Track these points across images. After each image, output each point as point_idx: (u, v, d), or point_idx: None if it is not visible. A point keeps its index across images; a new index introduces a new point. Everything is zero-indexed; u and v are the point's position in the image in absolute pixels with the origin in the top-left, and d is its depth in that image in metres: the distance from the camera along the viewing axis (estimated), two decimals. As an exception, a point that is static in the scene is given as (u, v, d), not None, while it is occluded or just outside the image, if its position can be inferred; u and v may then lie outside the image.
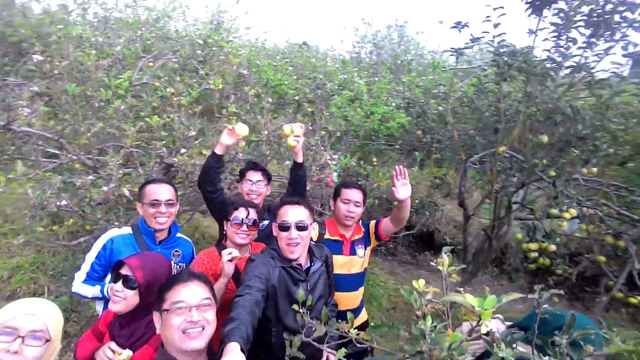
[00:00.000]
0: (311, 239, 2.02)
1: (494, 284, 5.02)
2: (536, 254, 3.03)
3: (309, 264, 1.93)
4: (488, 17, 3.89)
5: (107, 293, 1.97)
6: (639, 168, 3.80)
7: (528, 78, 2.96)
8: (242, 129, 2.30)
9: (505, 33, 3.73)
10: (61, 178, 2.34)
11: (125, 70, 3.66)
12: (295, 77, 7.54)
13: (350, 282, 2.41)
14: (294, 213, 1.87)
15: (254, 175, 2.55)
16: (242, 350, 1.23)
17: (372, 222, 2.56)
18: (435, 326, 1.20)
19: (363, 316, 2.57)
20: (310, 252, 1.96)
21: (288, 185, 2.66)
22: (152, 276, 1.57)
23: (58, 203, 2.29)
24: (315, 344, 1.49)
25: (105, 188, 2.33)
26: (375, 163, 5.12)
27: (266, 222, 2.61)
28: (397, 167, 2.30)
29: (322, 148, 3.46)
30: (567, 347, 1.19)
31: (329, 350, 1.60)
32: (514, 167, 3.35)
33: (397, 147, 5.26)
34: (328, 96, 8.66)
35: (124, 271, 1.57)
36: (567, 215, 2.87)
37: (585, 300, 3.80)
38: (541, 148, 3.03)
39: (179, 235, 2.22)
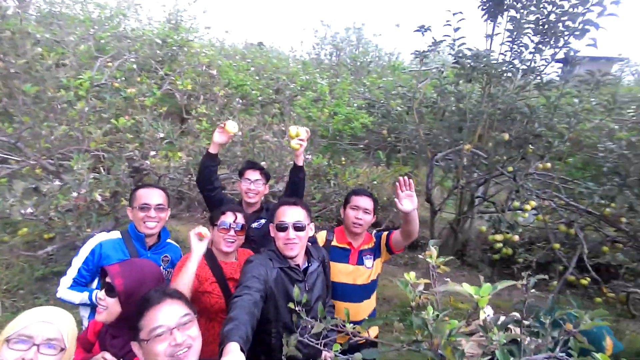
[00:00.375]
0: (311, 242, 2.02)
1: (456, 274, 5.30)
2: (501, 245, 3.25)
3: (306, 265, 1.94)
4: (448, 21, 4.11)
5: (96, 300, 1.91)
6: (580, 163, 4.19)
7: (490, 80, 3.16)
8: (232, 127, 2.31)
9: (464, 37, 3.97)
10: (24, 184, 2.17)
11: (82, 71, 3.48)
12: (257, 78, 7.51)
13: (355, 293, 2.32)
14: (291, 213, 1.88)
15: (252, 174, 2.56)
16: (241, 350, 1.22)
17: (385, 234, 2.43)
18: (438, 315, 1.27)
19: (373, 330, 2.40)
20: (308, 252, 1.98)
21: (286, 187, 2.67)
22: (134, 284, 1.50)
23: (22, 211, 2.13)
24: (312, 342, 1.53)
25: (75, 194, 2.20)
26: (343, 162, 5.22)
27: (263, 221, 2.61)
28: (401, 178, 2.16)
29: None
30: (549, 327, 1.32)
31: (326, 350, 1.63)
32: (477, 164, 3.56)
33: (362, 146, 5.39)
34: (292, 97, 8.69)
35: (108, 279, 1.50)
36: (528, 207, 3.11)
37: (539, 285, 4.11)
38: (502, 145, 3.25)
39: (168, 240, 2.17)
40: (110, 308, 1.47)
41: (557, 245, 3.29)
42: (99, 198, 2.23)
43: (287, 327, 1.80)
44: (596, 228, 3.24)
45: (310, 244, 2.00)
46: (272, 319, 1.81)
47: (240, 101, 3.52)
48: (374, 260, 2.37)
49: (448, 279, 1.35)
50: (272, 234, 1.92)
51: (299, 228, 1.84)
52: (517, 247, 3.33)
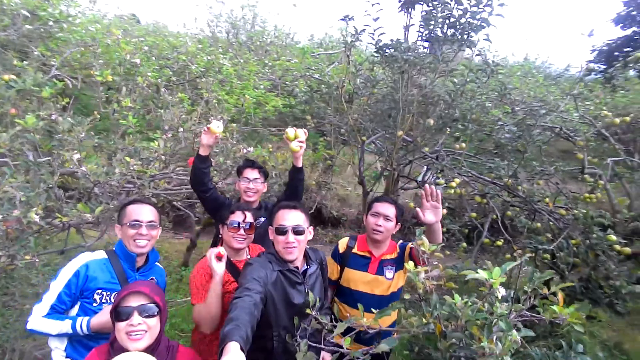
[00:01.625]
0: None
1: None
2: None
3: (305, 267, 1.96)
4: (367, 11, 4.30)
5: (82, 329, 1.68)
6: (486, 142, 4.87)
7: (419, 70, 3.45)
8: (217, 127, 2.26)
9: (382, 27, 4.21)
10: None
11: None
12: (153, 59, 6.80)
13: (372, 303, 2.18)
14: (291, 217, 1.88)
15: (251, 173, 2.58)
16: (241, 349, 1.24)
17: (409, 245, 2.33)
18: (467, 302, 1.43)
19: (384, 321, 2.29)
20: (306, 255, 2.00)
21: (285, 189, 2.66)
22: (162, 298, 1.48)
23: None
24: (314, 344, 1.59)
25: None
26: (271, 149, 5.15)
27: (263, 219, 2.61)
28: (427, 186, 2.11)
29: (234, 141, 3.32)
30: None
31: (326, 349, 1.68)
32: (405, 147, 3.90)
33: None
34: (193, 79, 8.13)
35: (133, 302, 1.41)
36: (453, 184, 3.56)
37: (455, 247, 4.77)
38: (428, 130, 3.61)
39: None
40: (153, 330, 1.43)
41: (473, 215, 3.86)
42: (36, 218, 1.85)
43: (287, 330, 1.82)
44: (501, 196, 3.86)
45: (308, 247, 2.01)
46: (273, 322, 1.82)
47: (166, 90, 3.19)
48: (395, 271, 2.32)
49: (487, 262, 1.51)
50: (271, 237, 1.92)
51: (298, 232, 1.86)
52: (444, 218, 3.79)
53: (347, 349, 1.59)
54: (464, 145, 3.82)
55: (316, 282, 1.96)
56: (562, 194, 3.82)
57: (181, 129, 2.88)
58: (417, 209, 2.10)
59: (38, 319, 1.68)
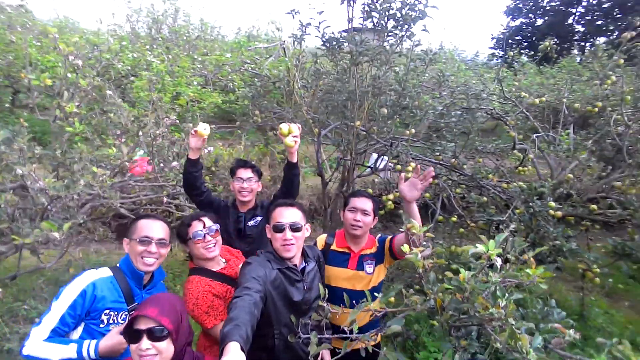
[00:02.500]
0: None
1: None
2: (391, 203, 3.86)
3: (303, 264, 1.97)
4: (310, 4, 4.33)
5: (89, 354, 1.55)
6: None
7: (370, 61, 3.57)
8: (204, 129, 2.27)
9: (326, 20, 4.28)
10: None
11: None
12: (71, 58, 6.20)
13: (354, 299, 2.15)
14: (288, 214, 1.89)
15: (244, 173, 2.58)
16: (241, 349, 1.25)
17: (388, 238, 2.30)
18: (473, 274, 1.55)
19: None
20: (304, 252, 2.01)
21: (281, 185, 2.64)
22: (176, 316, 1.39)
23: None
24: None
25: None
26: (221, 147, 4.99)
27: (259, 218, 2.62)
28: (419, 167, 2.03)
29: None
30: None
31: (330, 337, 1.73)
32: (361, 137, 4.03)
33: (237, 128, 5.24)
34: (118, 78, 7.59)
35: (142, 325, 1.33)
36: (409, 168, 3.76)
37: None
38: (382, 119, 3.77)
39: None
40: (165, 353, 1.36)
41: (428, 195, 4.13)
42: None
43: (288, 328, 1.85)
44: (450, 177, 4.17)
45: (305, 244, 2.02)
46: (274, 320, 1.84)
47: (111, 93, 2.92)
48: (375, 266, 2.29)
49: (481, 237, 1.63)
50: (268, 235, 1.93)
51: (295, 229, 1.88)
52: (399, 202, 4.00)
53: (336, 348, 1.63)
54: (413, 131, 4.06)
55: (315, 278, 1.98)
56: (501, 169, 4.25)
57: (140, 133, 2.68)
58: (401, 174, 2.10)
59: (37, 344, 1.52)
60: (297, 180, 2.59)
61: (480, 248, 1.56)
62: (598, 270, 3.29)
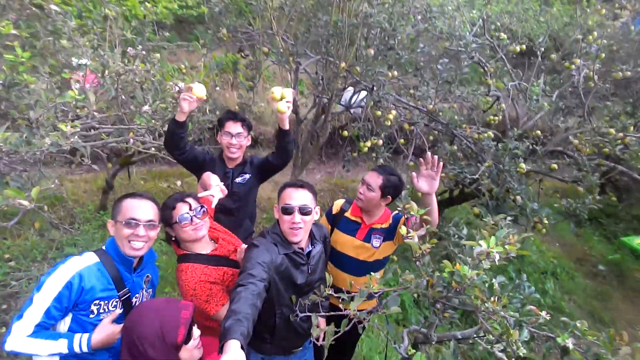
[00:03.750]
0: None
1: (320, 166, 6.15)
2: (366, 148, 3.83)
3: (310, 248, 1.93)
4: None
5: (81, 348, 1.48)
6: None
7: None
8: (201, 90, 2.07)
9: None
10: None
11: None
12: None
13: (355, 267, 2.29)
14: (297, 196, 1.80)
15: (234, 127, 2.40)
16: (242, 347, 1.23)
17: (404, 217, 2.08)
18: (478, 273, 1.61)
19: (371, 303, 2.35)
20: (311, 234, 1.95)
21: (274, 150, 2.49)
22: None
23: None
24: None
25: None
26: (183, 70, 4.46)
27: (248, 176, 2.51)
28: (429, 154, 1.93)
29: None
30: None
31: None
32: (344, 77, 3.79)
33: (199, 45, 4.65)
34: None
35: None
36: (390, 116, 3.67)
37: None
38: (366, 60, 3.52)
39: None
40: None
41: (402, 141, 4.13)
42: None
43: (289, 308, 1.87)
44: (425, 124, 4.15)
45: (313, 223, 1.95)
46: (275, 302, 1.85)
47: (73, 24, 2.39)
48: (383, 241, 2.29)
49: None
50: (276, 216, 1.86)
51: (305, 212, 1.80)
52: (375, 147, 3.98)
53: (345, 308, 1.72)
54: (395, 73, 3.87)
55: (319, 261, 1.96)
56: (473, 118, 4.30)
57: (106, 72, 2.26)
58: (413, 172, 2.00)
59: (21, 339, 1.42)
60: (292, 147, 2.45)
61: (483, 246, 1.62)
62: (547, 222, 3.62)
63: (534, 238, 4.98)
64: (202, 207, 1.82)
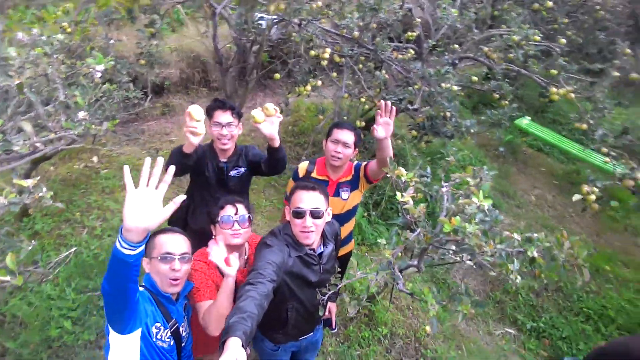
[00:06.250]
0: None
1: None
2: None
3: (321, 249, 1.94)
4: None
5: None
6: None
7: None
8: (198, 113, 1.93)
9: None
10: None
11: None
12: None
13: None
14: (308, 199, 1.78)
15: (223, 117, 2.27)
16: (243, 346, 1.22)
17: (363, 164, 2.41)
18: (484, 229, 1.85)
19: (348, 247, 2.74)
20: (323, 234, 1.95)
21: (267, 163, 2.37)
22: None
23: None
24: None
25: None
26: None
27: (243, 169, 2.44)
28: (382, 102, 2.12)
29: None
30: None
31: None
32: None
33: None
34: None
35: None
36: (325, 55, 3.55)
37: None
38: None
39: None
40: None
41: (334, 74, 4.08)
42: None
43: (301, 303, 1.95)
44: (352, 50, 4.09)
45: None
46: (287, 298, 1.91)
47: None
48: (350, 192, 2.45)
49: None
50: (287, 218, 1.88)
51: (316, 216, 1.79)
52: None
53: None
54: (320, 3, 3.65)
55: (330, 261, 1.99)
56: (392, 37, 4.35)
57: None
58: (374, 125, 2.20)
59: None
60: (284, 161, 2.35)
61: (475, 201, 1.86)
62: (472, 131, 4.09)
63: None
64: (248, 216, 1.89)
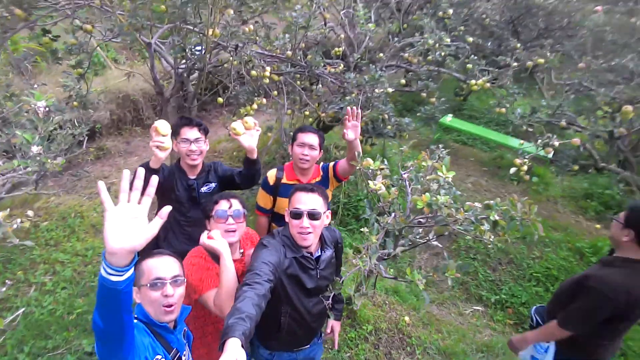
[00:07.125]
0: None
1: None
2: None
3: (319, 253, 1.93)
4: None
5: None
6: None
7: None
8: (164, 127, 1.93)
9: None
10: None
11: None
12: None
13: None
14: (307, 200, 1.79)
15: (191, 133, 2.26)
16: (242, 346, 1.22)
17: (331, 164, 2.54)
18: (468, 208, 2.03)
19: None
20: (322, 239, 1.95)
21: (242, 175, 2.42)
22: None
23: None
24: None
25: None
26: None
27: (214, 185, 2.44)
28: (349, 108, 2.30)
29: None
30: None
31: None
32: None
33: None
34: None
35: None
36: (266, 73, 3.64)
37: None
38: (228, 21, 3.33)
39: None
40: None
41: (275, 93, 4.20)
42: None
43: (296, 309, 1.95)
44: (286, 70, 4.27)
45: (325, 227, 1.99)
46: (283, 301, 1.91)
47: None
48: None
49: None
50: (286, 220, 1.89)
51: (314, 217, 1.81)
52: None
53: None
54: (252, 27, 3.79)
55: (328, 267, 1.97)
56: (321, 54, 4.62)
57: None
58: (344, 130, 2.38)
59: None
60: (259, 174, 2.43)
61: (441, 175, 2.06)
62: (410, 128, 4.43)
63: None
64: (242, 210, 1.91)
